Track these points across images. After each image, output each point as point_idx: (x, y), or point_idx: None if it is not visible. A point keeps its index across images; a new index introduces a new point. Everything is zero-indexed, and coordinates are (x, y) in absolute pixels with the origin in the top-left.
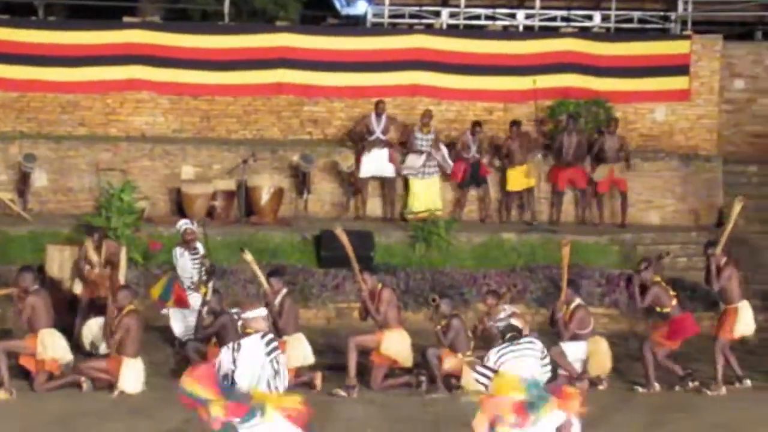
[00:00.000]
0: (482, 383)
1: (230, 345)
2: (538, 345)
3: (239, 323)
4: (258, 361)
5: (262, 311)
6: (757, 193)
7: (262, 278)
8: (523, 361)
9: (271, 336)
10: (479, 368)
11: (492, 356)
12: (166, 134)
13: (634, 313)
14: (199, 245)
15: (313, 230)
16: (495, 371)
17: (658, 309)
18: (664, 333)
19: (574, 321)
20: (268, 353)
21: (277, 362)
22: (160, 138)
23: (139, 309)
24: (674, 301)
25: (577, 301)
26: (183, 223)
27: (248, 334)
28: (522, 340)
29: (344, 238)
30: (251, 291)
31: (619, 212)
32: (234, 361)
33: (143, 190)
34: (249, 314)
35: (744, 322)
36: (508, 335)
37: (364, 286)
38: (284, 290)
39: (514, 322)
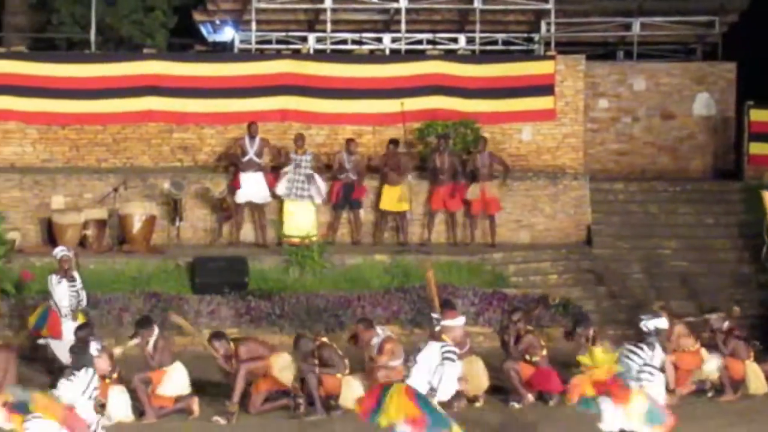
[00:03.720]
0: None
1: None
2: None
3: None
4: (431, 365)
5: (460, 320)
6: (622, 209)
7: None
8: None
9: (448, 346)
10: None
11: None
12: (36, 164)
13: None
14: (76, 274)
15: (187, 257)
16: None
17: (527, 357)
18: (527, 375)
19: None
20: (440, 362)
21: (442, 372)
22: (29, 168)
23: (13, 341)
24: (544, 351)
25: None
26: (59, 251)
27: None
28: None
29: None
30: (126, 319)
31: (489, 232)
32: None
33: (13, 221)
34: (448, 323)
35: None
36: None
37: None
38: (155, 332)
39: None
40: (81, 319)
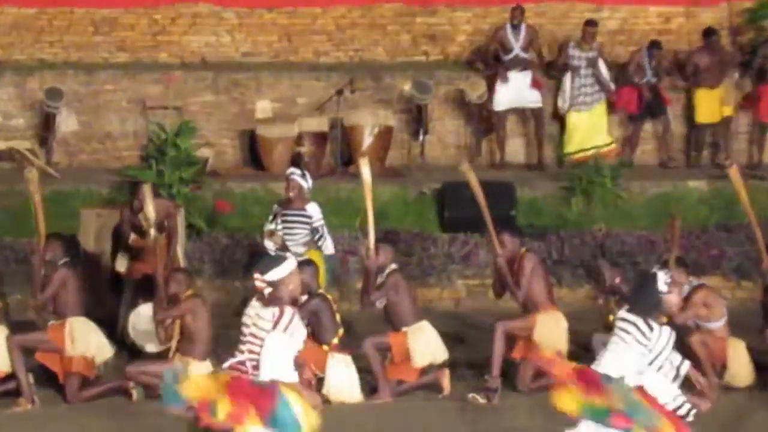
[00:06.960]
0: None
1: None
2: None
3: None
4: None
5: None
6: None
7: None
8: None
9: None
10: None
11: None
12: (234, 59)
13: None
14: (312, 206)
15: (434, 183)
16: None
17: None
18: None
19: None
20: None
21: None
22: (225, 64)
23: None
24: None
25: None
26: (289, 172)
27: None
28: None
29: (473, 180)
30: (353, 266)
31: None
32: None
33: (205, 135)
34: None
35: None
36: None
37: (500, 251)
38: (393, 265)
39: None
40: (317, 259)
